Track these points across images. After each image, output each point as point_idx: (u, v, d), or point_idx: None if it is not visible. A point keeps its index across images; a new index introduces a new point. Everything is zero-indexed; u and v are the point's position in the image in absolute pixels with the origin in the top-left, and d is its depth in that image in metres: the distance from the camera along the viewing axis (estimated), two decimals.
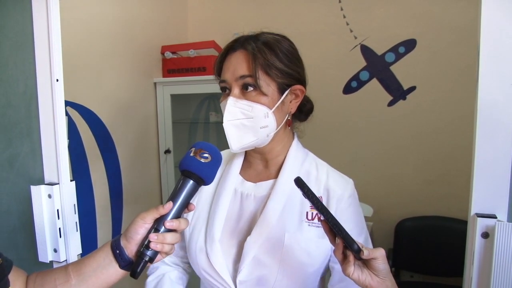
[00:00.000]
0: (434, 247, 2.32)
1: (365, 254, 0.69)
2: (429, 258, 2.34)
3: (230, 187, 1.00)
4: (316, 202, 0.72)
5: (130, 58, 2.25)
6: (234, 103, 0.90)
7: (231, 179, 1.01)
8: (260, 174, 1.01)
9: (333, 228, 0.71)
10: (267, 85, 0.90)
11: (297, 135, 1.04)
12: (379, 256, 0.69)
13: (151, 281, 1.07)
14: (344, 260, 0.72)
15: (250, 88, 0.90)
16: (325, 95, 2.54)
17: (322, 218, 0.74)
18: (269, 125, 0.91)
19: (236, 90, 0.91)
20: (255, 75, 0.88)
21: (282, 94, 0.93)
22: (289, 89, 0.94)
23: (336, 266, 0.92)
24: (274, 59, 0.90)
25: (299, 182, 0.74)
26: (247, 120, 0.90)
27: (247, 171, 1.03)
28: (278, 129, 0.94)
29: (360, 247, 0.69)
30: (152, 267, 1.09)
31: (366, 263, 0.71)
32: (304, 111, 1.03)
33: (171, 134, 2.53)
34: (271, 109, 0.90)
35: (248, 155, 1.03)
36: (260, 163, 1.02)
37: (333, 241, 0.74)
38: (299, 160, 0.99)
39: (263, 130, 0.91)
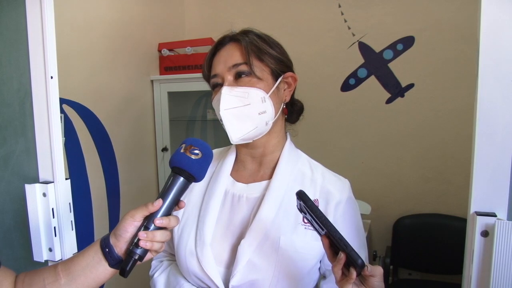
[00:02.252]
0: (432, 244, 2.32)
1: (369, 270, 0.68)
2: (427, 256, 2.34)
3: (220, 189, 0.97)
4: (320, 217, 0.70)
5: (126, 55, 2.24)
6: (229, 91, 0.89)
7: (221, 180, 0.98)
8: (252, 175, 0.99)
9: (337, 243, 0.69)
10: (261, 70, 0.91)
11: (290, 134, 1.03)
12: (378, 274, 0.69)
13: (158, 276, 1.03)
14: (341, 277, 0.71)
15: (244, 75, 0.89)
16: (323, 93, 2.54)
17: (322, 232, 0.72)
18: (267, 110, 0.90)
19: (229, 78, 0.90)
20: (249, 61, 0.89)
21: (276, 80, 0.93)
22: (283, 75, 0.94)
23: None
24: (266, 46, 0.92)
25: (301, 196, 0.72)
26: (244, 108, 0.88)
27: (238, 172, 1.00)
28: (276, 117, 0.93)
29: (365, 262, 0.68)
30: (154, 266, 1.07)
31: (362, 280, 0.71)
32: (294, 111, 1.02)
33: (168, 132, 2.51)
34: (267, 93, 0.90)
35: (240, 153, 1.01)
36: (253, 162, 0.99)
37: (332, 256, 0.72)
38: (293, 161, 0.98)
39: (261, 117, 0.90)
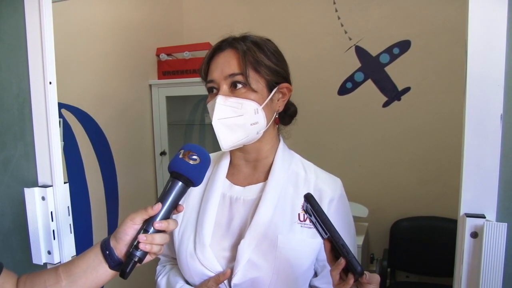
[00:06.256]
0: (429, 247, 2.33)
1: (367, 278, 0.70)
2: (424, 259, 2.34)
3: (217, 192, 0.99)
4: (325, 222, 0.72)
5: (125, 60, 2.26)
6: (223, 102, 0.90)
7: (218, 183, 1.00)
8: (248, 178, 1.01)
9: (339, 249, 0.70)
10: (257, 82, 0.91)
11: (282, 137, 1.05)
12: (375, 282, 0.71)
13: (161, 279, 1.06)
14: (339, 281, 0.72)
15: (239, 86, 0.90)
16: (320, 96, 2.55)
17: (325, 236, 0.73)
18: (259, 121, 0.91)
19: (224, 88, 0.91)
20: (245, 73, 0.89)
21: (271, 92, 0.94)
22: (277, 87, 0.95)
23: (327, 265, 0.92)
24: (263, 57, 0.92)
25: (309, 199, 0.74)
26: (237, 118, 0.90)
27: (234, 175, 1.02)
28: (267, 126, 0.94)
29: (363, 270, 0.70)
30: (158, 270, 1.10)
31: (359, 286, 0.72)
32: (288, 114, 1.03)
33: (167, 136, 2.53)
34: (260, 105, 0.91)
35: (235, 157, 1.02)
36: (248, 166, 1.01)
37: (332, 260, 0.74)
38: (287, 162, 1.00)
39: (253, 127, 0.91)
